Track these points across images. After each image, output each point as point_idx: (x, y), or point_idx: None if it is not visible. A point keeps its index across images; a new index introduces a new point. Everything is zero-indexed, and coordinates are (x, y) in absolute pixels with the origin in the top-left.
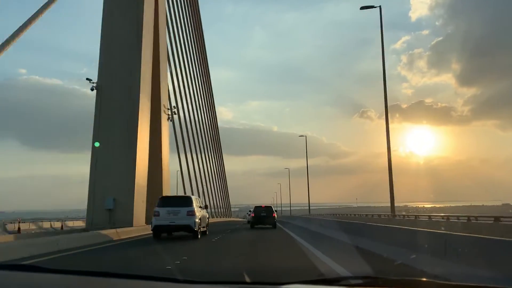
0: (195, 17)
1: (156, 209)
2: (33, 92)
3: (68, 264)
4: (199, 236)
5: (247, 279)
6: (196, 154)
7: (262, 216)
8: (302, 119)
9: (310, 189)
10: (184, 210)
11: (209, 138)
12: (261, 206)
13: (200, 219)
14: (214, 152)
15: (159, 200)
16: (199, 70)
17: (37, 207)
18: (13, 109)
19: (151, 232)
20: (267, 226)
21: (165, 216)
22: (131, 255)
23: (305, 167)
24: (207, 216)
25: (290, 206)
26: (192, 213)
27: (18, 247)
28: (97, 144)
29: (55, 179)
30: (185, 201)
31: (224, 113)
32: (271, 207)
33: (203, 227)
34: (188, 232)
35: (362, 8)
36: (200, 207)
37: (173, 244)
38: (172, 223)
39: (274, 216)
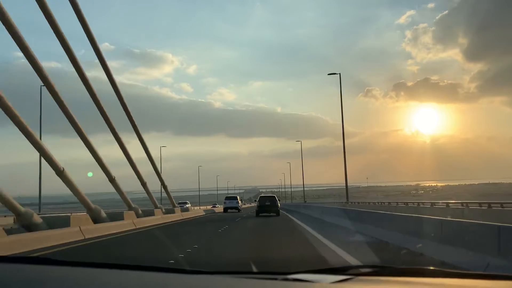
0: None
1: (225, 200)
2: (30, 76)
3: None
4: (240, 211)
5: (254, 269)
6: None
7: (267, 205)
8: (306, 100)
9: (316, 170)
10: (234, 201)
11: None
12: (265, 196)
13: (240, 204)
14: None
15: (226, 197)
16: None
17: (43, 192)
18: (9, 93)
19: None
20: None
21: (228, 203)
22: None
23: (310, 148)
24: (241, 203)
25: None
26: (237, 203)
27: None
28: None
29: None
30: (234, 197)
31: (226, 95)
32: (274, 197)
33: (240, 209)
34: (236, 210)
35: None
36: (240, 199)
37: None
38: (230, 206)
39: (278, 205)
